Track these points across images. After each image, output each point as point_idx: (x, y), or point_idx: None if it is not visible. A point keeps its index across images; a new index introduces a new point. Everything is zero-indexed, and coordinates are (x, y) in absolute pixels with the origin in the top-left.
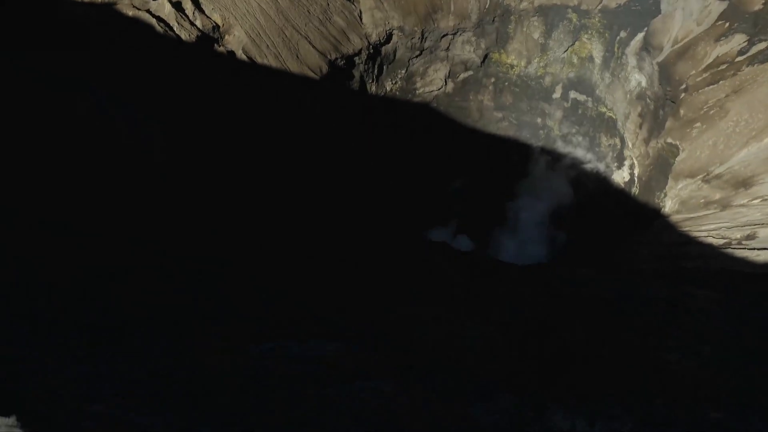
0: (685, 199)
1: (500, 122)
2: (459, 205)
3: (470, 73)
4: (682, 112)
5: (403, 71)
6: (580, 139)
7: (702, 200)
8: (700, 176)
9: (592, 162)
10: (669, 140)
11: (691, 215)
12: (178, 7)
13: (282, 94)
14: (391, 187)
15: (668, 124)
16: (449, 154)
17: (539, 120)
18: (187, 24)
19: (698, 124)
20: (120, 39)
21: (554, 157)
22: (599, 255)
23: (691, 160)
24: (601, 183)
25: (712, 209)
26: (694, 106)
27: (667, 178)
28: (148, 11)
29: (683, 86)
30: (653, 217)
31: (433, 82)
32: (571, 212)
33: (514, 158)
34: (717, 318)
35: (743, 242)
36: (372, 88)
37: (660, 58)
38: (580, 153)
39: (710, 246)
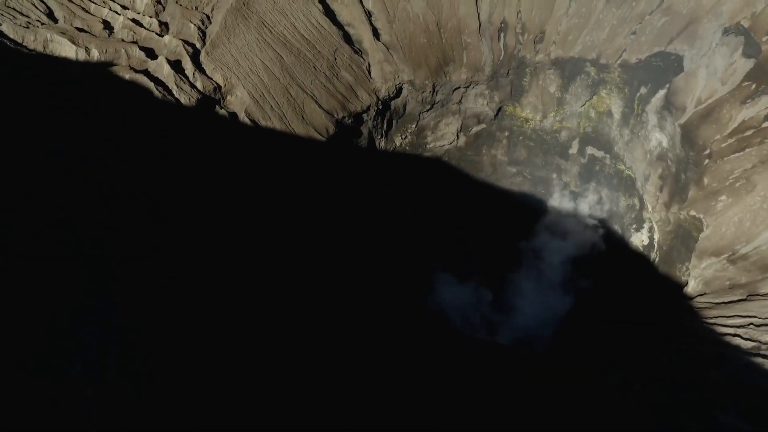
0: (709, 280)
1: (514, 177)
2: (474, 253)
3: (483, 126)
4: (706, 181)
5: (414, 125)
6: (597, 196)
7: (727, 282)
8: (725, 255)
9: (608, 220)
10: (692, 212)
11: (716, 301)
12: (177, 67)
13: (286, 160)
14: (401, 239)
15: (691, 193)
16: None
17: (554, 175)
18: (186, 86)
19: (723, 197)
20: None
21: (570, 209)
22: (618, 328)
23: (716, 237)
24: (618, 243)
25: (738, 294)
26: (719, 176)
27: (690, 252)
28: (146, 72)
29: (707, 151)
30: (675, 291)
31: (444, 136)
32: (589, 269)
33: (530, 208)
34: None
35: None
36: (381, 143)
37: (682, 120)
38: (596, 209)
39: (738, 349)
